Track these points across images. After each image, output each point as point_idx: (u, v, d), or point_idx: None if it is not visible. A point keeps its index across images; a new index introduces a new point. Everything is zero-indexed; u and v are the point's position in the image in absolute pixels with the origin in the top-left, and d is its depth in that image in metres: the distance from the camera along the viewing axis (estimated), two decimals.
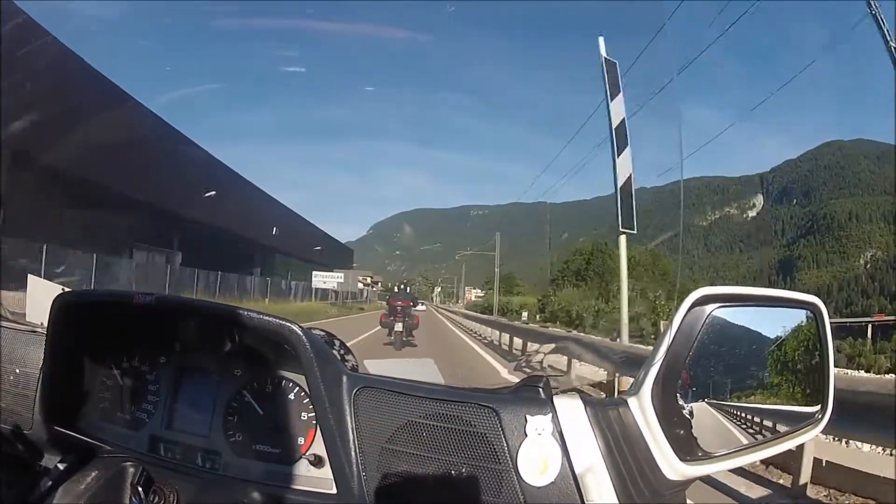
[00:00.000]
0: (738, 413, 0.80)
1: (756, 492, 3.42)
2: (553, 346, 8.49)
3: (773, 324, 0.84)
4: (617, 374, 5.70)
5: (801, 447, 3.06)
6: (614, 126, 11.33)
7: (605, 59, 11.79)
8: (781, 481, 3.59)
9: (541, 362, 8.23)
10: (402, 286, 12.38)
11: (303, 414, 0.91)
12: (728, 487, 3.32)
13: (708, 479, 3.18)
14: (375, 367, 1.16)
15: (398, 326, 10.68)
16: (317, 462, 0.87)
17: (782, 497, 3.34)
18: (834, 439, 3.99)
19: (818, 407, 0.84)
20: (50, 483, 0.91)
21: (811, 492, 3.35)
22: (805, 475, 3.29)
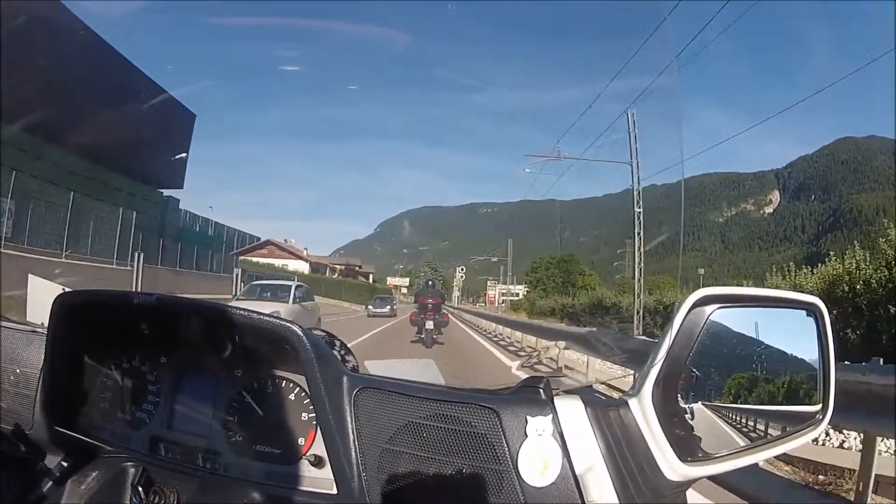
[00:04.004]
0: (739, 414, 0.79)
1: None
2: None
3: (774, 324, 0.84)
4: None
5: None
6: None
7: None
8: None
9: None
10: (430, 283, 12.32)
11: (303, 414, 0.91)
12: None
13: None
14: (376, 367, 1.16)
15: (429, 324, 10.83)
16: (317, 462, 0.87)
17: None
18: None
19: (819, 408, 0.84)
20: (50, 483, 0.91)
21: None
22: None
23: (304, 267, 38.87)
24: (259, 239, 41.14)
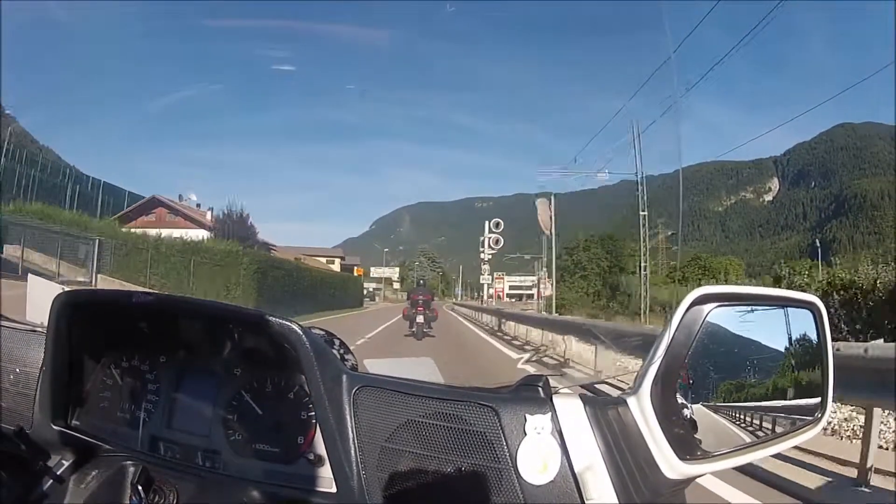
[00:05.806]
0: (738, 412, 0.80)
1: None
2: None
3: (773, 323, 0.84)
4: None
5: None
6: None
7: None
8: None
9: None
10: (421, 282, 13.91)
11: (302, 413, 0.91)
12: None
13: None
14: (375, 366, 1.16)
15: (420, 318, 11.84)
16: (317, 461, 0.87)
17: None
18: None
19: (817, 405, 0.85)
20: (50, 482, 0.91)
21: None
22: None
23: (206, 236, 23.83)
24: (142, 198, 29.10)
